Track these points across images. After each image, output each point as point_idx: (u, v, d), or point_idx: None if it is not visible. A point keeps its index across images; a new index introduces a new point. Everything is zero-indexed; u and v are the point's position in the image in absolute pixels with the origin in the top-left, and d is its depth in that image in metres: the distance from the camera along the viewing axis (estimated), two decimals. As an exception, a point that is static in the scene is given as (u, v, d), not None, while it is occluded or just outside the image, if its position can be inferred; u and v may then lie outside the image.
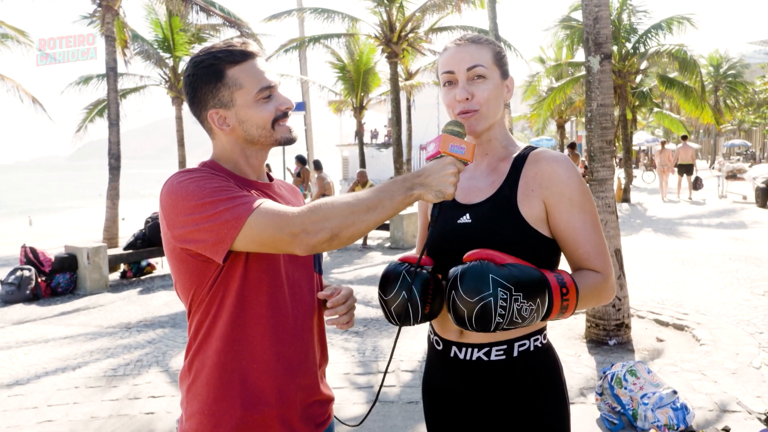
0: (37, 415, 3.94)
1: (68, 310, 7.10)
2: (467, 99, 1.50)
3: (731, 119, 39.94)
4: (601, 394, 3.78)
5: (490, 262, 1.31)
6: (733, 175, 19.13)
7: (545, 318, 1.35)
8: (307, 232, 1.25)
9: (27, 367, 4.93)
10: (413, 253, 1.76)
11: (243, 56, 1.41)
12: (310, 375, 1.48)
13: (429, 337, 1.65)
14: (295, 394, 1.43)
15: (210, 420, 1.39)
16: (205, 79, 1.41)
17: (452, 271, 1.34)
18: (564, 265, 1.50)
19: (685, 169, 18.05)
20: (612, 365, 3.85)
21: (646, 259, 8.66)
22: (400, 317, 1.44)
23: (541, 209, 1.47)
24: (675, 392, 3.50)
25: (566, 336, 5.32)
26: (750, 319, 5.57)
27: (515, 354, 1.47)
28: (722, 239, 10.19)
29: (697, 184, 18.30)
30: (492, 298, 1.25)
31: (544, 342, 1.52)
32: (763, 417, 3.51)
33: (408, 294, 1.41)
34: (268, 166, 10.77)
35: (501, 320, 1.27)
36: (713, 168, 31.59)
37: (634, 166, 28.39)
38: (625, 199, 17.28)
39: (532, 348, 1.49)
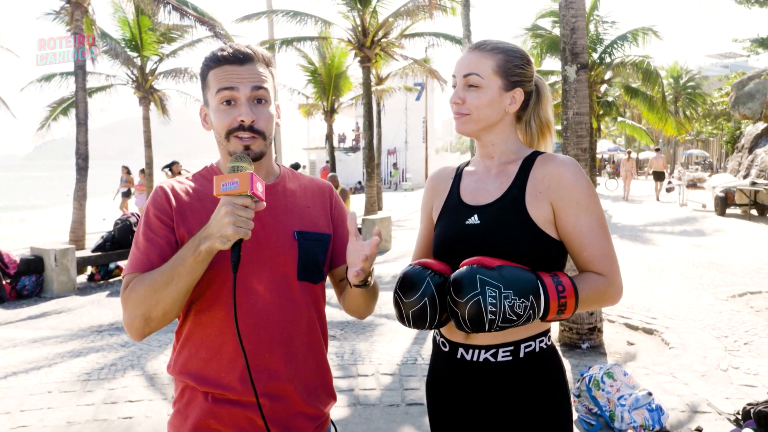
0: (11, 421, 3.84)
1: (35, 313, 6.91)
2: (456, 103, 1.57)
3: (690, 129, 41.18)
4: (578, 396, 3.87)
5: (481, 266, 1.38)
6: (693, 184, 19.78)
7: (545, 317, 1.40)
8: (129, 326, 1.39)
9: (-5, 372, 4.79)
10: (420, 255, 1.80)
11: (218, 61, 1.43)
12: (288, 386, 1.45)
13: (435, 338, 1.69)
14: (269, 402, 1.42)
15: (183, 411, 1.46)
16: (201, 78, 1.50)
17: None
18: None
19: (658, 175, 21.25)
20: (589, 368, 3.95)
21: (613, 264, 8.87)
22: (416, 321, 1.47)
23: (549, 211, 1.52)
24: (650, 394, 3.62)
25: (541, 339, 5.42)
26: (715, 323, 5.78)
27: (521, 355, 1.52)
28: (685, 246, 10.52)
29: (668, 188, 21.46)
30: (481, 297, 1.33)
31: (549, 344, 1.57)
32: (733, 417, 3.65)
33: (430, 301, 1.44)
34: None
35: (494, 317, 1.34)
36: (673, 177, 32.57)
37: (597, 173, 29.06)
38: (590, 205, 17.66)
39: (537, 349, 1.53)
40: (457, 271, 1.42)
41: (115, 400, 4.14)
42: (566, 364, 4.80)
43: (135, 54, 16.53)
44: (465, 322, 1.37)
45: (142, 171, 16.04)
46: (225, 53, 1.43)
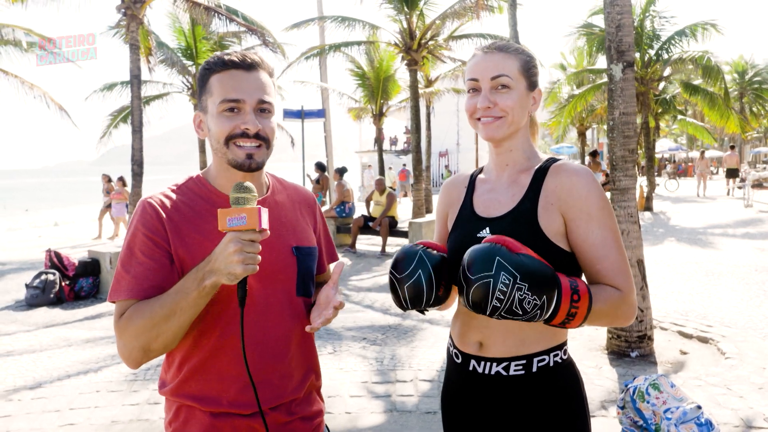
0: (60, 418, 3.99)
1: (91, 314, 7.20)
2: (488, 107, 1.50)
3: (757, 126, 39.27)
4: (622, 408, 3.71)
5: (504, 246, 1.29)
6: (759, 184, 18.80)
7: (549, 321, 1.32)
8: (126, 356, 1.34)
9: (50, 370, 5.00)
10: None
11: (224, 65, 1.40)
12: (287, 395, 1.46)
13: (448, 349, 1.65)
14: (269, 412, 1.42)
15: (183, 427, 1.42)
16: (199, 83, 1.46)
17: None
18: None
19: (732, 172, 22.01)
20: (634, 378, 3.77)
21: (669, 269, 8.52)
22: (412, 299, 1.43)
23: (560, 223, 1.45)
24: (699, 407, 3.42)
25: (587, 347, 5.25)
26: (777, 332, 5.46)
27: (534, 369, 1.46)
28: (748, 250, 10.00)
29: (740, 186, 21.64)
30: (492, 280, 1.24)
31: (565, 357, 1.50)
32: (791, 434, 3.43)
33: (424, 273, 1.40)
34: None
35: (498, 305, 1.25)
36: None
37: (656, 174, 28.13)
38: (648, 207, 17.06)
39: (551, 363, 1.47)
40: (479, 245, 1.32)
41: (158, 401, 4.24)
42: (613, 373, 4.63)
43: (190, 62, 17.07)
44: (468, 300, 1.30)
45: (120, 179, 15.59)
46: (233, 58, 1.40)
